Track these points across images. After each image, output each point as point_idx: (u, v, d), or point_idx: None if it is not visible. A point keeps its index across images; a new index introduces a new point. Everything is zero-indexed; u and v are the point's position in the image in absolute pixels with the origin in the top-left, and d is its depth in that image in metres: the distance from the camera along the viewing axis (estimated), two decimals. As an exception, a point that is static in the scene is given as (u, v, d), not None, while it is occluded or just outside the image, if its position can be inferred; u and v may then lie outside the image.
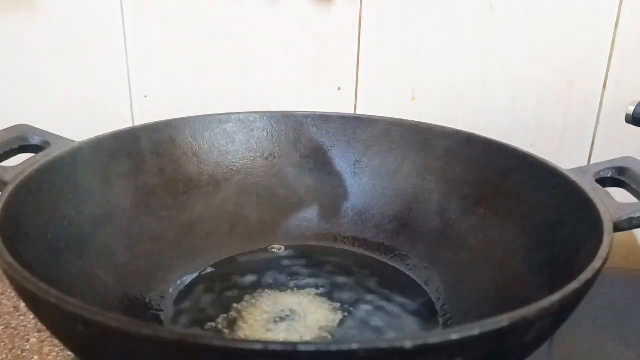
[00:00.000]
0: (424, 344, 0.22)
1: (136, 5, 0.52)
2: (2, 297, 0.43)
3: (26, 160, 0.38)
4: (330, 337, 0.37)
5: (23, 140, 0.41)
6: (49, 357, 0.37)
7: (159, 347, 0.23)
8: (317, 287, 0.42)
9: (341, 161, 0.49)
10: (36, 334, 0.39)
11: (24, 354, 0.37)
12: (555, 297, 0.26)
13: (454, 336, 0.23)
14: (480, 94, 0.56)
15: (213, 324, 0.38)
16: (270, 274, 0.43)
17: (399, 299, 0.41)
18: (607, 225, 0.32)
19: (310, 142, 0.49)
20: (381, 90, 0.56)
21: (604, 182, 0.39)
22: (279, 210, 0.48)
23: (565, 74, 0.55)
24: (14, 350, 0.38)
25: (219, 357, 0.22)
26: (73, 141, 0.41)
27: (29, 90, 0.53)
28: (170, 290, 0.41)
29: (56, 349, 0.38)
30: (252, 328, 0.37)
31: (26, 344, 0.38)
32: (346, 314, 0.39)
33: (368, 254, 0.46)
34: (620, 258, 0.56)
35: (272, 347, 0.22)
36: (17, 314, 0.41)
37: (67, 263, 0.36)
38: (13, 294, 0.43)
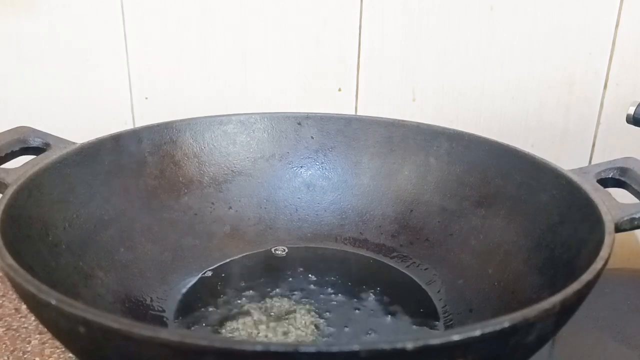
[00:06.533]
0: (426, 345, 0.22)
1: (136, 6, 0.52)
2: (3, 299, 0.43)
3: (27, 162, 0.38)
4: (331, 338, 0.37)
5: (24, 142, 0.41)
6: (50, 358, 0.37)
7: (160, 349, 0.23)
8: (317, 288, 0.42)
9: (342, 162, 0.49)
10: (37, 336, 0.39)
11: (25, 356, 0.37)
12: (557, 297, 0.26)
13: (456, 337, 0.23)
14: (480, 94, 0.56)
15: (214, 325, 0.38)
16: (271, 276, 0.43)
17: (400, 300, 0.41)
18: (608, 226, 0.32)
19: (311, 143, 0.49)
20: (382, 91, 0.56)
21: (605, 182, 0.39)
22: (280, 211, 0.48)
23: (566, 74, 0.55)
24: (15, 352, 0.38)
25: (220, 359, 0.22)
26: (74, 143, 0.41)
27: (30, 92, 0.54)
28: (172, 291, 0.41)
29: (57, 351, 0.38)
30: (253, 329, 0.37)
31: (27, 345, 0.38)
32: (346, 315, 0.39)
33: (369, 254, 0.46)
34: (621, 258, 0.56)
35: (273, 349, 0.22)
36: (19, 315, 0.41)
37: (68, 265, 0.36)
38: (14, 296, 0.43)
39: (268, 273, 0.43)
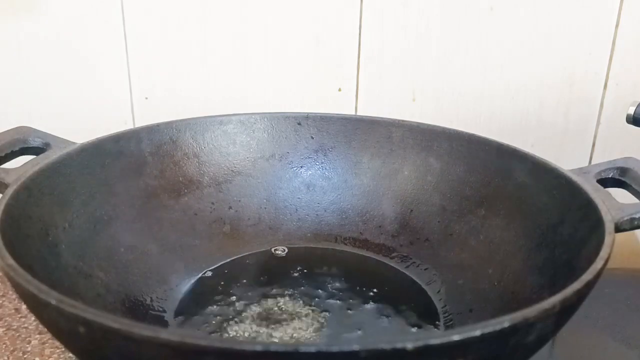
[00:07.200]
0: (426, 345, 0.22)
1: (136, 6, 0.52)
2: (3, 299, 0.43)
3: (27, 162, 0.38)
4: (330, 338, 0.37)
5: (24, 142, 0.41)
6: (50, 358, 0.37)
7: (160, 349, 0.23)
8: (317, 288, 0.42)
9: (342, 162, 0.49)
10: (37, 336, 0.39)
11: (25, 356, 0.37)
12: (557, 297, 0.26)
13: (456, 337, 0.23)
14: (480, 94, 0.56)
15: (214, 325, 0.38)
16: (271, 276, 0.43)
17: (400, 300, 0.41)
18: (609, 226, 0.32)
19: (311, 143, 0.49)
20: (382, 91, 0.56)
21: (605, 182, 0.39)
22: (280, 211, 0.48)
23: (566, 74, 0.55)
24: (15, 352, 0.38)
25: (220, 359, 0.22)
26: (74, 142, 0.41)
27: (30, 92, 0.53)
28: (172, 291, 0.41)
29: (57, 351, 0.38)
30: (253, 329, 0.37)
31: (27, 345, 0.38)
32: (347, 315, 0.39)
33: (369, 255, 0.46)
34: (621, 258, 0.56)
35: (273, 348, 0.22)
36: (19, 315, 0.41)
37: (68, 265, 0.36)
38: (14, 296, 0.43)
39: (268, 273, 0.43)
